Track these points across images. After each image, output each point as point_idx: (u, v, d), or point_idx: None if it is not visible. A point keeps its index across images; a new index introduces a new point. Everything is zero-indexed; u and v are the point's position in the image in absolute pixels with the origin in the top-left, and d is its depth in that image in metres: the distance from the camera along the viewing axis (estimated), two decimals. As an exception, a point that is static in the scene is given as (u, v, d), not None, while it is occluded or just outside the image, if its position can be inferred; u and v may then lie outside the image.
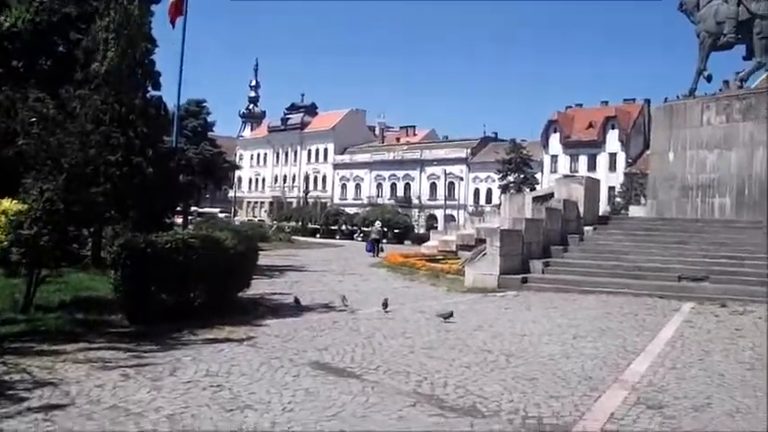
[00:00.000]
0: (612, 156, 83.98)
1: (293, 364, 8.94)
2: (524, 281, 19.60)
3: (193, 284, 12.19)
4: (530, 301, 16.59)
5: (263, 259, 17.16)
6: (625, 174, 79.44)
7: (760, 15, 26.13)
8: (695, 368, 9.30)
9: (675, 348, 10.74)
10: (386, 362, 9.22)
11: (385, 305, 14.34)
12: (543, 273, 20.56)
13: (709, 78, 29.23)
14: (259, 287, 16.46)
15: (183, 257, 11.58)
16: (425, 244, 39.01)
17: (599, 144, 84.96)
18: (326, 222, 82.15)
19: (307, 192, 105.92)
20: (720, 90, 31.64)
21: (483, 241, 23.80)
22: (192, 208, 58.54)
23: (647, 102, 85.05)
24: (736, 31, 27.01)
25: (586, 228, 24.51)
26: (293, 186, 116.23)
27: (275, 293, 16.66)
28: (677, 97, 29.44)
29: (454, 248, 31.98)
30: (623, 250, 22.07)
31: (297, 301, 14.78)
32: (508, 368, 9.02)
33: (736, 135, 26.32)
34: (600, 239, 23.93)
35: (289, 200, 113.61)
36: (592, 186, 26.46)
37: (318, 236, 75.15)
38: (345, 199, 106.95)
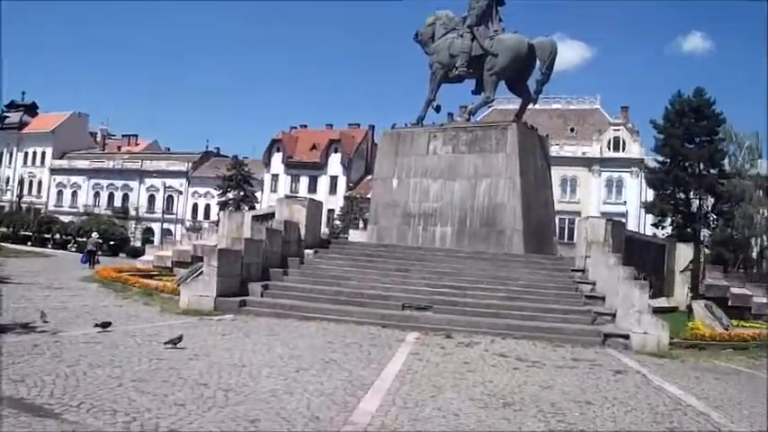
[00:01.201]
0: (334, 179, 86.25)
1: (-19, 400, 7.40)
2: (243, 304, 18.62)
3: None
4: (249, 327, 15.60)
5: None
6: (345, 197, 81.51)
7: (491, 52, 27.27)
8: (428, 407, 8.80)
9: (405, 384, 10.24)
10: (90, 396, 7.89)
11: (104, 325, 13.07)
12: (262, 296, 19.70)
13: (437, 109, 30.12)
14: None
15: None
16: (141, 258, 37.46)
17: (321, 166, 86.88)
18: (39, 230, 76.39)
19: (20, 196, 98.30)
20: (448, 122, 32.86)
21: (200, 258, 22.97)
22: None
23: (372, 127, 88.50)
24: (468, 65, 28.01)
25: (307, 251, 24.03)
26: (7, 190, 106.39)
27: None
28: (405, 125, 29.97)
29: (170, 264, 30.97)
30: (345, 276, 21.84)
31: None
32: (227, 406, 7.98)
33: (461, 166, 27.23)
34: (321, 263, 23.53)
35: (1, 204, 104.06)
36: (314, 208, 26.01)
37: (30, 244, 69.76)
38: (61, 206, 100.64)
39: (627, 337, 16.62)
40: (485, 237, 26.19)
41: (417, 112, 29.81)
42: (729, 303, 26.58)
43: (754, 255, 56.11)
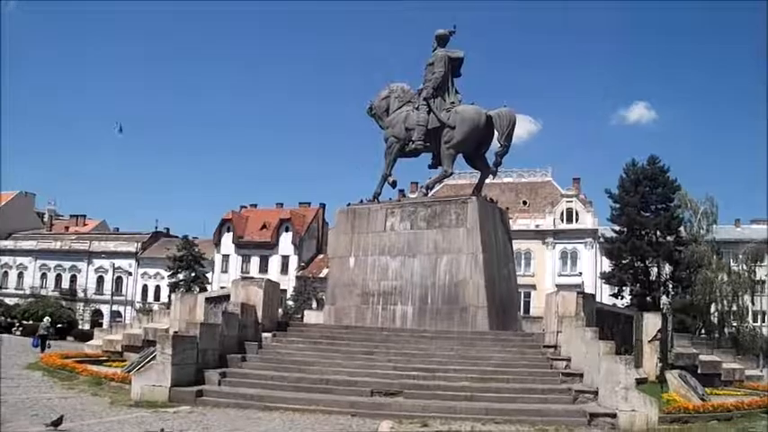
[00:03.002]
0: (285, 258, 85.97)
1: None
2: (200, 394, 17.71)
3: None
4: (208, 421, 14.66)
5: None
6: (297, 277, 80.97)
7: (449, 125, 26.91)
8: None
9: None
10: None
11: (56, 423, 12.22)
12: (220, 385, 18.80)
13: (394, 184, 29.63)
14: None
15: None
16: (89, 343, 36.46)
17: (272, 246, 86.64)
18: (-18, 313, 74.29)
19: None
20: (401, 199, 32.37)
21: (151, 343, 22.26)
22: None
23: (323, 206, 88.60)
24: (425, 139, 27.58)
25: (265, 334, 23.21)
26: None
27: None
28: (361, 201, 29.40)
29: (120, 349, 30.23)
30: (307, 360, 20.95)
31: None
32: None
33: (421, 243, 26.59)
34: (280, 348, 22.65)
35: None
36: (271, 290, 25.27)
37: (-29, 327, 67.09)
38: (7, 288, 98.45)
39: (614, 415, 16.09)
40: (447, 314, 25.41)
41: (370, 190, 29.30)
42: (699, 371, 26.31)
43: (714, 320, 56.27)
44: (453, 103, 27.70)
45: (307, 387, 18.46)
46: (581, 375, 18.87)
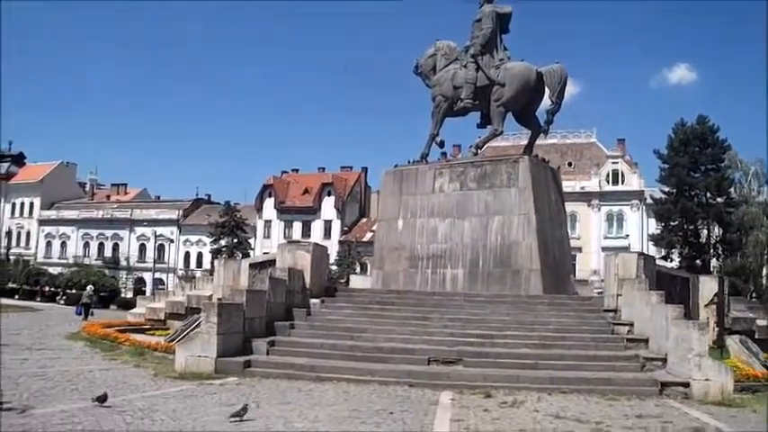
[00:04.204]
0: (328, 223, 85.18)
1: None
2: (247, 365, 16.84)
3: None
4: (257, 394, 13.79)
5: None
6: (340, 241, 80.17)
7: (498, 82, 25.88)
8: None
9: (461, 463, 8.56)
10: None
11: (102, 399, 11.51)
12: (269, 354, 17.96)
13: (441, 144, 28.66)
14: None
15: None
16: (132, 311, 36.11)
17: (314, 210, 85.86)
18: (27, 282, 75.09)
19: (8, 248, 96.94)
20: (448, 160, 31.31)
21: (194, 310, 21.62)
22: None
23: (365, 170, 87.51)
24: (473, 97, 26.60)
25: (313, 300, 22.36)
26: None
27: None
28: (409, 162, 28.48)
29: (163, 317, 29.70)
30: (359, 327, 20.08)
31: None
32: None
33: (471, 204, 25.71)
34: (330, 314, 21.81)
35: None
36: (319, 254, 24.41)
37: (17, 297, 67.77)
38: (50, 258, 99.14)
39: (687, 384, 15.05)
40: (499, 278, 24.53)
41: (412, 154, 28.49)
42: (756, 336, 25.14)
43: (766, 282, 54.67)
44: (502, 59, 26.68)
45: (360, 356, 17.60)
46: (646, 341, 17.90)
